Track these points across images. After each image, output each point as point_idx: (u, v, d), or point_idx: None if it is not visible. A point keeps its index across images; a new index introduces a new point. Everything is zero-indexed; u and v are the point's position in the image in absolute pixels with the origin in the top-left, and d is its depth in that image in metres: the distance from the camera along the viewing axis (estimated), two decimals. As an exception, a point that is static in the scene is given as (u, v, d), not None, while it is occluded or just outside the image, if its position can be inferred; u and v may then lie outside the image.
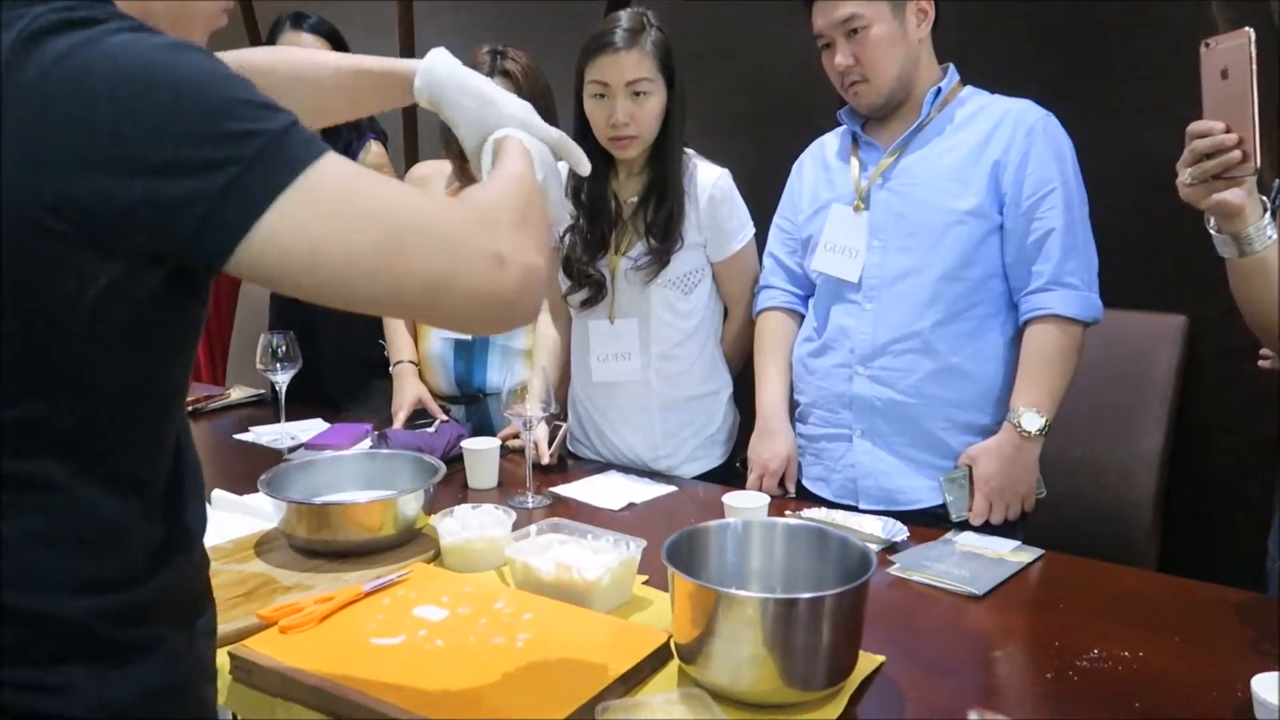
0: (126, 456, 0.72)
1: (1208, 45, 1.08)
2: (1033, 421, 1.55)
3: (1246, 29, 1.03)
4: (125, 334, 0.68)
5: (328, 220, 0.67)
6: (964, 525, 1.57)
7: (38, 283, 0.64)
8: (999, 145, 1.60)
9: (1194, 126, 1.11)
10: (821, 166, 1.78)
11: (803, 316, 1.83)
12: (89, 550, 0.69)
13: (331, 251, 0.67)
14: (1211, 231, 1.18)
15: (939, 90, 1.66)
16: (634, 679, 1.01)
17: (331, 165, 0.68)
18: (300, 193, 0.66)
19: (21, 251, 0.64)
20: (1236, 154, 1.07)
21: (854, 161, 1.71)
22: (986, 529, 1.55)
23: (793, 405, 1.81)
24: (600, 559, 1.20)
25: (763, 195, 1.93)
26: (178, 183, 0.63)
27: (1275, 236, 1.14)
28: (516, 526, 1.34)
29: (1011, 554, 1.37)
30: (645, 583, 1.26)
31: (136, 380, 0.71)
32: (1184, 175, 1.12)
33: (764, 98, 2.37)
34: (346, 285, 0.69)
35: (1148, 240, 1.93)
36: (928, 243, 1.61)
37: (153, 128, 0.63)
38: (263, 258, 0.66)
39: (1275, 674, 0.96)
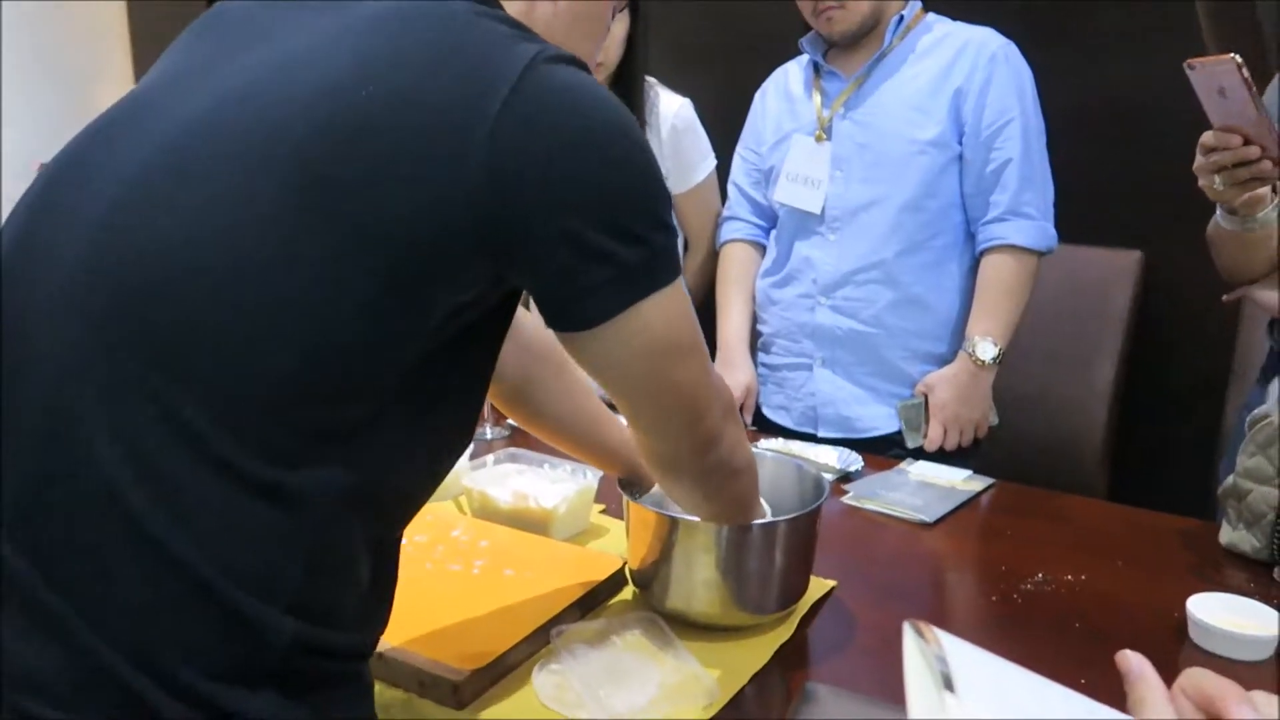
0: (396, 498, 0.71)
1: (1192, 67, 1.09)
2: (987, 350, 1.56)
3: (1231, 56, 1.06)
4: (454, 357, 0.68)
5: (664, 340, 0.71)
6: (919, 452, 1.58)
7: (435, 287, 0.64)
8: (960, 73, 1.58)
9: (1207, 138, 1.15)
10: (784, 96, 1.76)
11: (765, 247, 1.82)
12: (323, 574, 0.65)
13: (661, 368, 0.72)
14: (1220, 212, 1.25)
15: (901, 18, 1.63)
16: (589, 604, 1.01)
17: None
18: (671, 298, 0.70)
19: (441, 253, 0.63)
20: (1266, 164, 1.12)
21: (816, 92, 1.69)
22: (940, 456, 1.57)
23: (755, 335, 1.81)
24: (557, 488, 1.20)
25: (725, 127, 1.91)
26: (607, 241, 0.66)
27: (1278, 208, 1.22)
28: (474, 456, 1.33)
29: (963, 483, 1.39)
30: (602, 511, 1.26)
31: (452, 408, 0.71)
32: (1212, 181, 1.17)
33: (729, 27, 2.33)
34: (635, 394, 0.74)
35: (1106, 175, 1.93)
36: (890, 173, 1.60)
37: (618, 187, 0.66)
38: (606, 339, 0.69)
39: (1210, 595, 0.98)
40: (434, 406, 0.68)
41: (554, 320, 0.70)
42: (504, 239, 0.64)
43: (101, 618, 0.60)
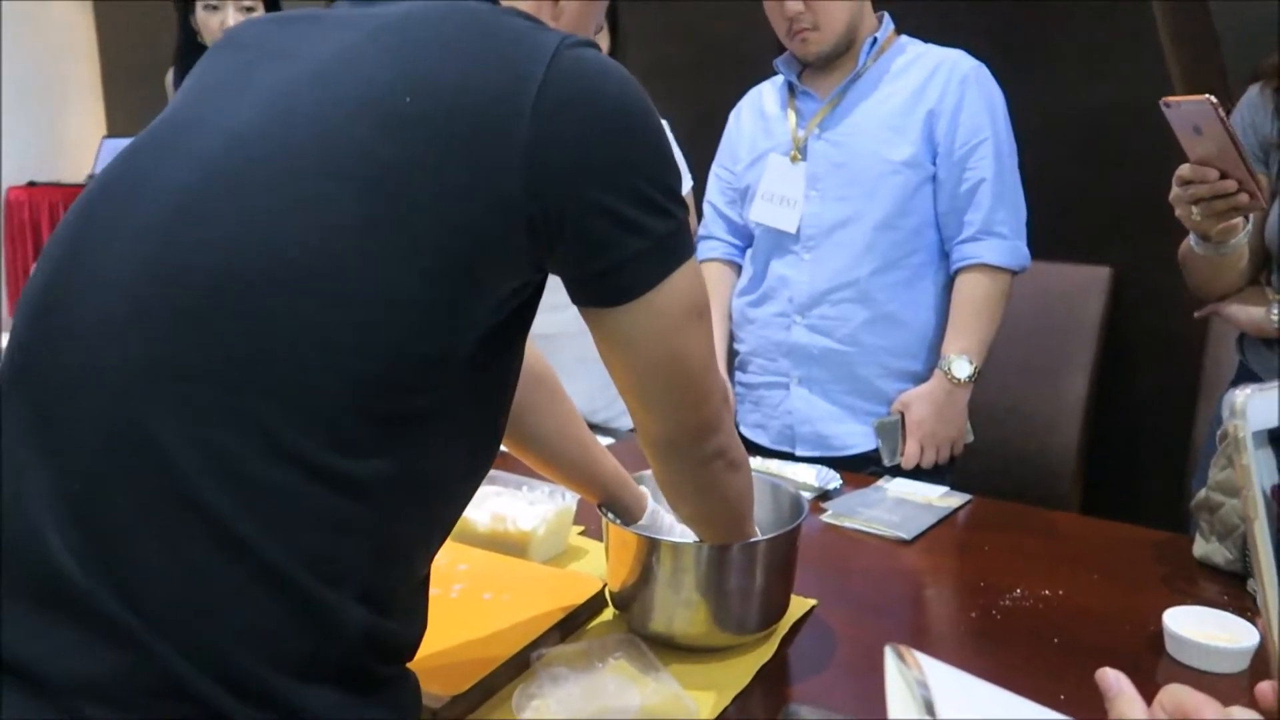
0: (449, 490, 0.74)
1: (1168, 105, 1.11)
2: (962, 368, 1.58)
3: (1206, 96, 1.07)
4: (501, 347, 0.71)
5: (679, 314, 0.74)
6: (896, 469, 1.59)
7: (493, 272, 0.67)
8: (933, 95, 1.60)
9: (1184, 171, 1.17)
10: (759, 115, 1.77)
11: (740, 267, 1.82)
12: (387, 564, 0.68)
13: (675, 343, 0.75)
14: (1194, 238, 1.27)
15: (874, 40, 1.65)
16: (570, 626, 1.01)
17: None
18: (695, 267, 0.74)
19: (498, 237, 0.66)
20: (1244, 197, 1.14)
21: (791, 111, 1.70)
22: (917, 473, 1.57)
23: (732, 354, 1.82)
24: (535, 510, 1.20)
25: (700, 146, 1.91)
26: (641, 214, 0.69)
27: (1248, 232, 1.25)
28: (453, 478, 1.32)
29: (940, 499, 1.39)
30: (581, 533, 1.26)
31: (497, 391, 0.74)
32: (1189, 211, 1.20)
33: (704, 46, 2.34)
34: (647, 374, 0.76)
35: (1076, 192, 1.96)
36: (864, 192, 1.61)
37: (647, 162, 0.70)
38: (639, 312, 0.72)
39: (1185, 608, 0.99)
40: (483, 396, 0.72)
41: (593, 296, 0.73)
42: (548, 215, 0.67)
43: (166, 618, 0.60)
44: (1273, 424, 0.44)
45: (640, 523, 1.03)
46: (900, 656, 0.45)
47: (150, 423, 0.62)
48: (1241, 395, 0.44)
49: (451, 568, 1.10)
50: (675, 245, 0.72)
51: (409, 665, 0.74)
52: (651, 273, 0.71)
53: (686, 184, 1.90)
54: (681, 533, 1.04)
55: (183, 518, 0.61)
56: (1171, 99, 1.11)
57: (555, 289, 1.27)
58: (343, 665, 0.65)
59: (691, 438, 0.81)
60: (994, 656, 0.98)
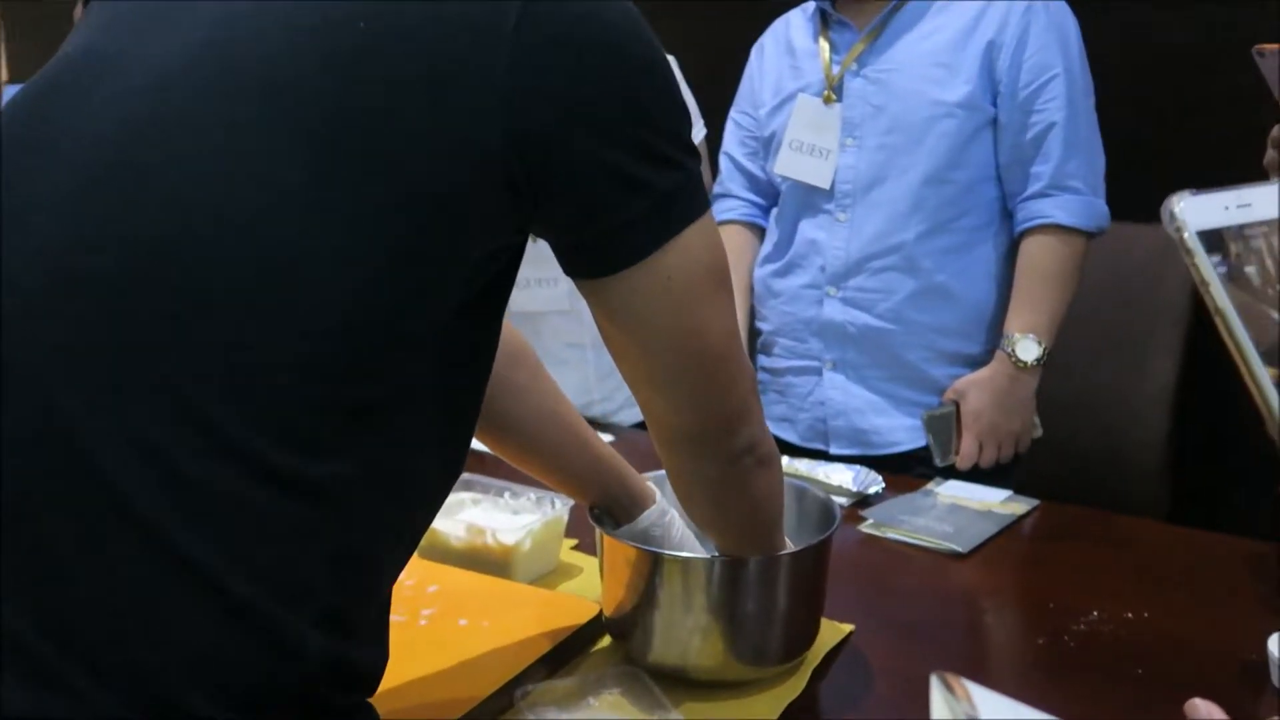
0: (419, 493, 0.74)
1: (1261, 54, 1.11)
2: (1029, 350, 1.57)
3: None
4: (474, 325, 0.71)
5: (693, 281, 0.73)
6: (949, 470, 1.59)
7: (465, 233, 0.66)
8: (992, 24, 1.58)
9: (1277, 133, 1.16)
10: (785, 50, 1.76)
11: (764, 230, 1.82)
12: (350, 581, 0.68)
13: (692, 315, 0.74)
14: None
15: (923, -42, 1.63)
16: (560, 658, 1.01)
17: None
18: (709, 227, 0.74)
19: (471, 190, 0.65)
20: None
21: (823, 44, 1.69)
22: (975, 475, 1.57)
23: (754, 334, 1.81)
24: (520, 520, 1.20)
25: (716, 88, 1.90)
26: (642, 166, 0.69)
27: None
28: (422, 483, 1.32)
29: (1001, 505, 1.39)
30: (574, 547, 1.26)
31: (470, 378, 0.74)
32: None
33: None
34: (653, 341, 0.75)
35: (1162, 141, 1.94)
36: (910, 140, 1.61)
37: (651, 103, 0.69)
38: (646, 279, 0.71)
39: (1295, 634, 0.98)
40: (454, 382, 0.72)
41: (584, 265, 0.73)
42: (532, 168, 0.66)
43: (100, 654, 0.61)
44: (1213, 225, 0.52)
45: (646, 524, 1.02)
46: (948, 687, 0.45)
47: (73, 418, 0.62)
48: (1177, 200, 0.52)
49: (420, 590, 1.10)
50: (686, 200, 0.72)
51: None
52: (659, 233, 0.71)
53: (698, 131, 1.89)
54: (693, 544, 1.04)
55: (114, 529, 0.61)
56: (1265, 47, 1.11)
57: (539, 259, 1.27)
58: (299, 697, 0.65)
59: (716, 430, 0.81)
60: (1064, 691, 0.97)
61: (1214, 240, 0.52)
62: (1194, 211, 0.52)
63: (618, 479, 1.02)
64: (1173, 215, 0.52)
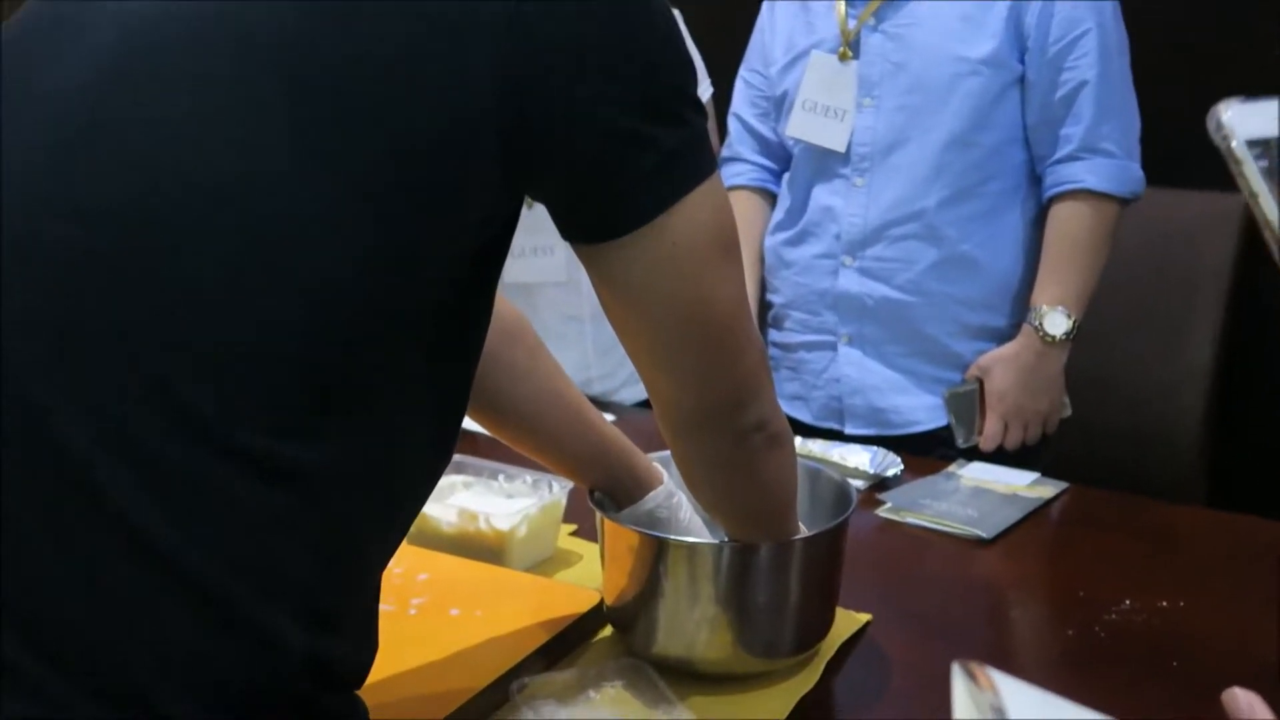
0: (409, 479, 0.75)
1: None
2: (1057, 323, 1.56)
3: None
4: (467, 295, 0.71)
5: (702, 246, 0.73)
6: (972, 451, 1.59)
7: (457, 194, 0.66)
8: (1020, -26, 1.57)
9: None
10: (798, 4, 1.74)
11: (775, 196, 1.81)
12: (336, 574, 0.69)
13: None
14: None
15: (946, -97, 1.62)
16: (558, 650, 1.01)
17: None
18: (716, 188, 0.73)
19: (464, 148, 0.65)
20: None
21: (839, -3, 1.68)
22: (999, 456, 1.57)
23: (765, 307, 1.81)
24: (515, 505, 1.20)
25: (724, 46, 1.89)
26: (646, 123, 0.68)
27: None
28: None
29: (1028, 488, 1.39)
30: (572, 534, 1.26)
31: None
32: None
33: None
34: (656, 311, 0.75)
35: (1197, 101, 1.93)
36: (932, 100, 1.60)
37: (656, 56, 0.70)
38: (649, 245, 0.71)
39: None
40: (444, 358, 0.72)
41: (583, 229, 0.73)
42: (528, 125, 0.66)
43: (70, 654, 0.61)
44: (1263, 134, 0.50)
45: (651, 506, 1.02)
46: (971, 677, 0.45)
47: (39, 397, 0.62)
48: (1225, 107, 0.51)
49: (409, 578, 1.10)
50: (692, 160, 0.71)
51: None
52: (663, 195, 0.70)
53: (705, 90, 1.88)
54: (701, 529, 1.04)
55: (84, 518, 0.61)
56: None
57: (535, 228, 1.27)
58: (283, 696, 0.66)
59: (723, 407, 0.81)
60: (1095, 685, 0.98)
61: (1262, 149, 0.51)
62: (1243, 118, 0.51)
63: (622, 460, 1.02)
64: (1220, 123, 0.51)
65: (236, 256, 0.63)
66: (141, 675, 0.61)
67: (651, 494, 1.02)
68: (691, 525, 1.04)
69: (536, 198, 0.73)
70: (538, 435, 1.00)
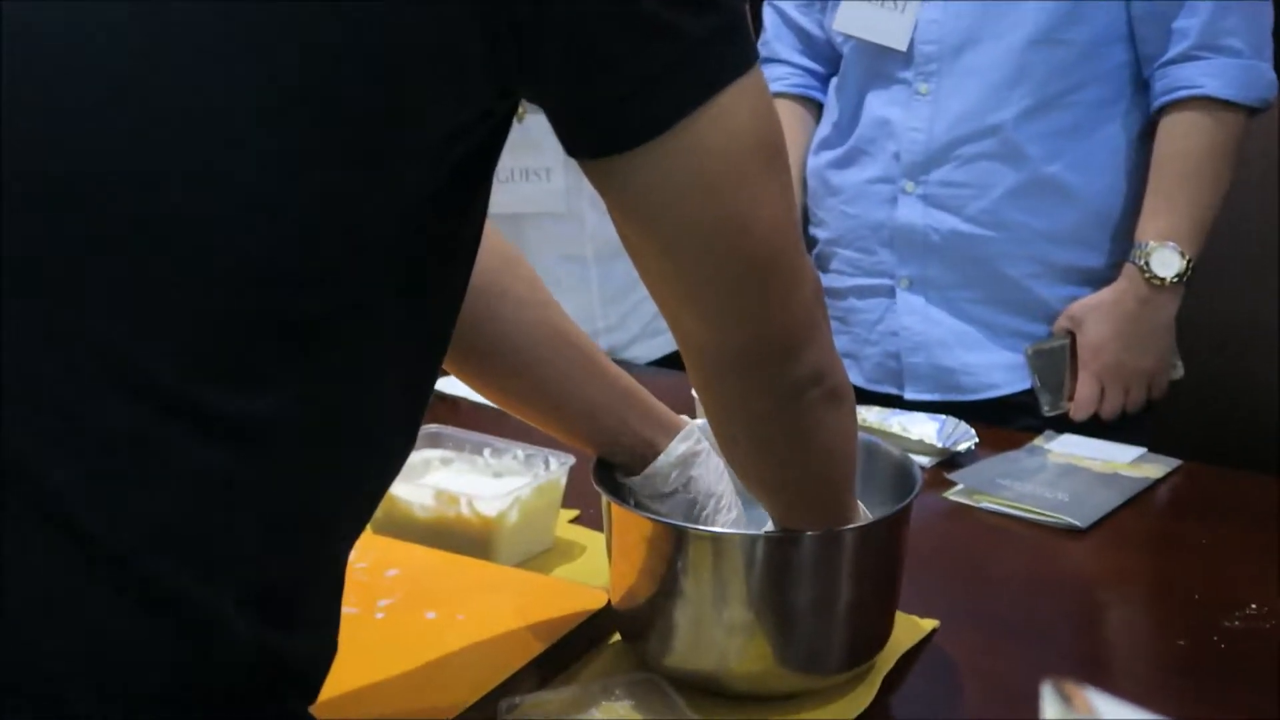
0: (377, 443, 0.75)
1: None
2: (1168, 262, 1.56)
3: None
4: (443, 219, 0.71)
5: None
6: (1062, 421, 1.60)
7: (429, 94, 0.66)
8: None
9: None
10: None
11: (821, 106, 1.82)
12: (286, 548, 0.69)
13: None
14: None
15: None
16: (555, 662, 1.01)
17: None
18: (756, 87, 0.73)
19: (422, 51, 0.65)
20: None
21: None
22: (1096, 427, 1.58)
23: (807, 244, 1.80)
24: (503, 485, 1.20)
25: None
26: (666, 6, 0.68)
27: None
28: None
29: (1131, 466, 1.39)
30: (574, 520, 1.26)
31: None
32: None
33: None
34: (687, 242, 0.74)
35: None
36: (1012, -13, 1.59)
37: None
38: (673, 154, 0.70)
39: None
40: (420, 296, 0.72)
41: (590, 140, 0.72)
42: (517, 4, 0.66)
43: None
44: None
45: (673, 460, 1.01)
46: (1064, 697, 0.45)
47: None
48: None
49: (376, 574, 1.11)
50: (725, 52, 0.70)
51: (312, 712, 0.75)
52: (690, 94, 0.69)
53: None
54: (728, 508, 1.04)
55: None
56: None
57: (526, 147, 1.24)
58: (222, 698, 0.66)
59: (770, 354, 0.80)
60: (1212, 705, 0.97)
61: None
62: None
63: (641, 405, 1.02)
64: None
65: (158, 163, 0.63)
66: (55, 667, 0.62)
67: (683, 432, 1.02)
68: (718, 513, 1.03)
69: (530, 97, 0.72)
70: (536, 383, 1.00)
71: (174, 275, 0.63)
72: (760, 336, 0.79)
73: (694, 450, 1.02)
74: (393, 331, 0.71)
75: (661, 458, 1.01)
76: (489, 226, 0.88)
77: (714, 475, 1.04)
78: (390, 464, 0.78)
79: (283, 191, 0.64)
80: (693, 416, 1.05)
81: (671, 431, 1.02)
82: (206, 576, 0.64)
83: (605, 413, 1.01)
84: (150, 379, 0.62)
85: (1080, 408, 1.60)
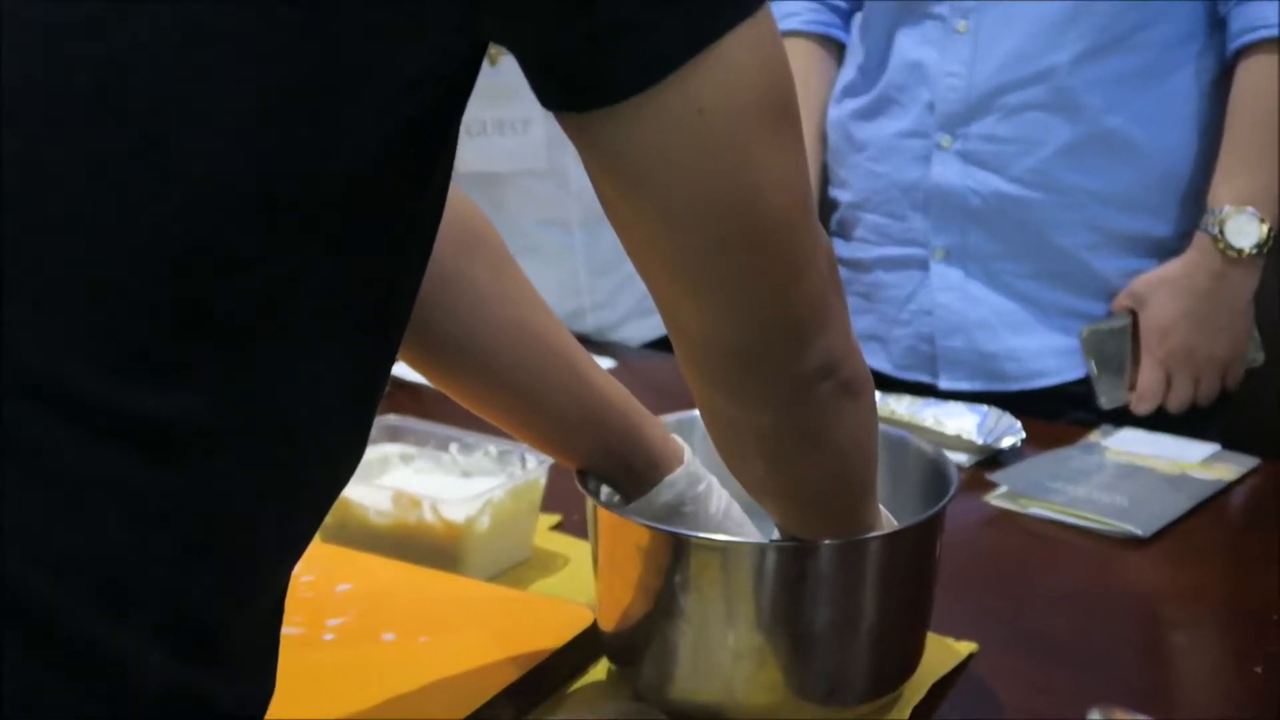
0: (316, 443, 0.74)
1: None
2: (1245, 230, 1.56)
3: None
4: (393, 185, 0.71)
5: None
6: (1122, 414, 1.60)
7: (368, 39, 0.66)
8: None
9: None
10: None
11: (843, 48, 1.83)
12: (207, 571, 0.68)
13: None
14: None
15: None
16: (534, 691, 1.02)
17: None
18: (765, 32, 0.72)
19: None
20: None
21: None
22: (1161, 421, 1.58)
23: (827, 207, 1.82)
24: (473, 486, 1.21)
25: None
26: None
27: None
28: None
29: (1201, 466, 1.40)
30: (555, 527, 1.27)
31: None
32: None
33: None
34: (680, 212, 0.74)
35: None
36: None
37: None
38: (666, 110, 0.69)
39: None
40: (369, 274, 0.72)
41: (570, 91, 0.71)
42: None
43: None
44: None
45: (670, 497, 1.02)
46: None
47: None
48: None
49: (324, 589, 1.11)
50: None
51: None
52: (685, 39, 0.69)
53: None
54: (739, 523, 1.04)
55: None
56: None
57: (504, 94, 1.24)
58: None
59: (777, 343, 0.80)
60: (1293, 742, 0.98)
61: None
62: None
63: (627, 428, 1.02)
64: None
65: (59, 119, 0.63)
66: None
67: (669, 478, 1.01)
68: (726, 520, 1.03)
69: (501, 40, 0.71)
70: (502, 389, 1.00)
71: (77, 250, 0.63)
72: (766, 322, 0.79)
73: (684, 495, 1.02)
74: (336, 317, 0.71)
75: (637, 502, 1.01)
76: (454, 191, 0.88)
77: (712, 505, 1.03)
78: (336, 473, 0.78)
79: (214, 155, 0.64)
80: (685, 408, 1.05)
81: (662, 466, 1.02)
82: (116, 611, 0.64)
83: (581, 434, 1.01)
84: (49, 373, 0.62)
85: (1143, 399, 1.61)
